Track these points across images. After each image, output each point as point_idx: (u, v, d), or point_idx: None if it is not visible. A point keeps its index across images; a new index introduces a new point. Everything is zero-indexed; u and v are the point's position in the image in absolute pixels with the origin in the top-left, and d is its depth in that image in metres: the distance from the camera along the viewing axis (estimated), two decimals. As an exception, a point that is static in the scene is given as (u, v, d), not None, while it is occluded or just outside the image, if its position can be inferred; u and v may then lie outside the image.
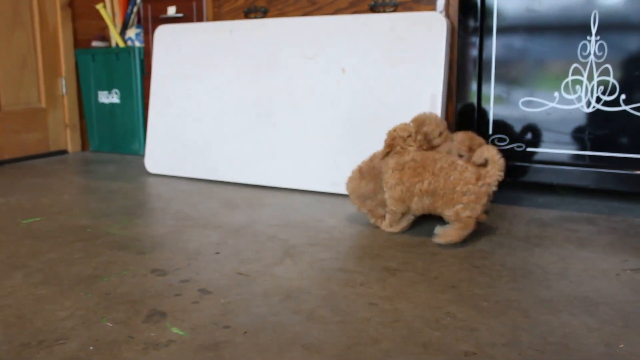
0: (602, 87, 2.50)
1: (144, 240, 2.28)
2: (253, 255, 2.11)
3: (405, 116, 2.81)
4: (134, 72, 4.10)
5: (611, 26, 2.46)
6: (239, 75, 3.28)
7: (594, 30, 2.48)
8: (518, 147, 2.66)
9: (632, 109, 2.46)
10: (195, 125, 3.41)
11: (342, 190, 2.96)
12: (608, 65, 2.48)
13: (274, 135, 3.17)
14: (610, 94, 2.49)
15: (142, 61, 4.09)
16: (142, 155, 4.05)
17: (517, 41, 2.65)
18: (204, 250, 2.17)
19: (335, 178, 3.00)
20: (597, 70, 2.49)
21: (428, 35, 2.82)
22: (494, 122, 2.72)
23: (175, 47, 3.50)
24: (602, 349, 1.44)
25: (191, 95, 3.43)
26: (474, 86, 2.74)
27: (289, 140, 3.13)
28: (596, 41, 2.48)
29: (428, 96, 2.80)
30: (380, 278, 1.89)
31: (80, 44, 4.41)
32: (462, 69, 2.76)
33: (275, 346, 1.46)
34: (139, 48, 4.08)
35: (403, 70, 2.87)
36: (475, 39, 2.70)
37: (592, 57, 2.50)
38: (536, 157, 2.66)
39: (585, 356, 1.41)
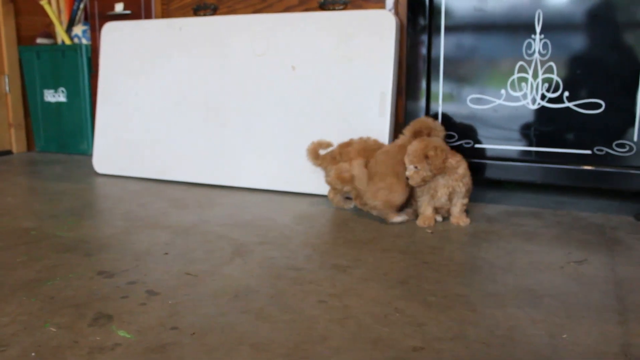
0: (546, 85, 2.54)
1: (91, 242, 2.23)
2: (202, 255, 2.09)
3: (354, 113, 2.83)
4: (81, 70, 4.02)
5: (555, 25, 2.50)
6: (189, 73, 3.24)
7: (538, 29, 2.53)
8: (466, 143, 2.70)
9: (575, 105, 2.51)
10: (143, 124, 3.36)
11: (294, 188, 2.96)
12: (552, 63, 2.52)
13: (224, 133, 3.15)
14: (555, 91, 2.54)
15: (89, 59, 4.01)
16: (90, 155, 3.97)
17: (465, 39, 2.68)
18: (152, 251, 2.13)
19: (287, 176, 3.00)
20: (541, 67, 2.54)
21: (377, 33, 2.84)
22: (443, 119, 2.74)
23: (123, 44, 3.44)
24: (546, 340, 1.47)
25: (139, 94, 3.38)
26: (423, 84, 2.76)
27: (240, 138, 3.11)
28: (540, 39, 2.53)
29: (378, 94, 2.82)
30: (329, 275, 1.89)
31: (23, 41, 4.29)
32: (411, 67, 2.78)
33: (224, 346, 1.45)
34: (86, 45, 4.00)
35: (353, 68, 2.88)
36: (424, 38, 2.72)
37: (536, 55, 2.54)
38: (484, 154, 2.69)
39: (530, 348, 1.43)
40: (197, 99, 3.22)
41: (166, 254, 2.10)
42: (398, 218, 2.46)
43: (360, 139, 2.69)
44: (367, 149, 2.62)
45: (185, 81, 3.25)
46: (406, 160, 2.39)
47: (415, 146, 2.39)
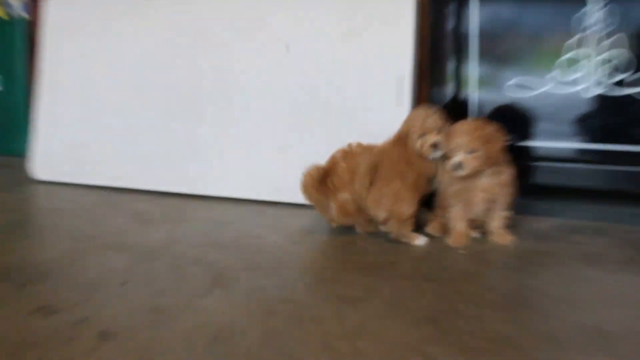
0: (608, 66, 2.53)
1: (28, 269, 2.19)
2: (172, 284, 2.05)
3: (364, 104, 2.82)
4: (17, 50, 4.02)
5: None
6: (155, 55, 3.24)
7: (598, -5, 2.52)
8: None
9: (645, 92, 2.50)
10: (97, 119, 3.36)
11: (288, 198, 2.94)
12: (616, 38, 2.51)
13: (198, 130, 3.14)
14: (619, 74, 2.53)
15: (27, 37, 4.01)
16: (26, 157, 3.94)
17: (504, 10, 2.69)
18: (107, 279, 2.09)
19: (278, 183, 2.97)
20: (602, 44, 2.53)
21: (393, 1, 2.82)
22: (477, 109, 2.73)
23: (72, 19, 3.44)
24: (622, 396, 1.41)
25: (91, 80, 3.38)
26: (451, 66, 2.76)
27: (219, 136, 3.10)
28: (600, 8, 2.51)
29: (393, 79, 2.79)
30: (336, 311, 1.84)
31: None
32: (436, 45, 2.79)
33: (200, 405, 1.39)
34: (24, 20, 3.99)
35: (362, 46, 2.85)
36: (453, 7, 2.73)
37: (596, 27, 2.53)
38: (529, 154, 2.69)
39: (601, 406, 1.38)
40: (164, 87, 3.22)
41: (125, 283, 2.06)
42: (419, 240, 2.40)
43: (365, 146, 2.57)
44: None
45: (149, 65, 3.26)
46: (451, 142, 2.33)
47: (468, 126, 2.33)
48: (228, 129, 3.09)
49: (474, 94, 2.72)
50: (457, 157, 2.32)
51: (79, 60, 3.42)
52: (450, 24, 2.74)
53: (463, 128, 2.33)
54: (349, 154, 2.51)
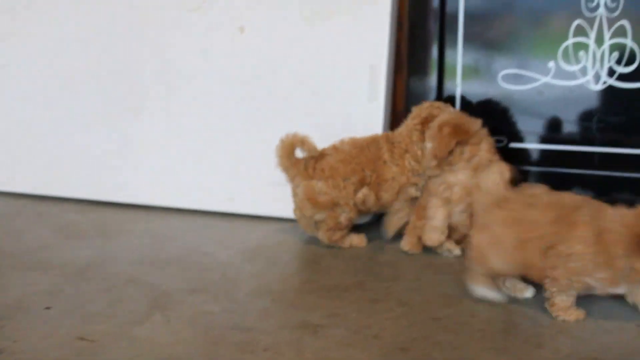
0: (616, 54, 2.57)
1: None
2: (104, 309, 2.08)
3: (331, 97, 2.83)
4: None
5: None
6: (86, 36, 3.22)
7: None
8: (498, 141, 2.71)
9: (657, 85, 2.55)
10: (13, 112, 3.33)
11: (244, 209, 2.96)
12: (625, 22, 2.55)
13: (137, 128, 3.15)
14: (629, 63, 2.57)
15: None
16: None
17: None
18: (27, 303, 2.12)
19: (230, 191, 3.01)
20: (609, 29, 2.57)
21: (366, -23, 2.85)
22: (463, 104, 2.76)
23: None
24: None
25: (8, 65, 3.34)
26: (434, 53, 2.78)
27: (161, 135, 3.12)
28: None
29: (366, 67, 2.84)
30: (294, 339, 1.89)
31: None
32: (416, 28, 2.80)
33: None
34: None
35: (329, 29, 2.89)
36: None
37: (602, 9, 2.57)
38: (524, 156, 2.75)
39: None
40: (97, 75, 3.20)
41: (48, 308, 2.09)
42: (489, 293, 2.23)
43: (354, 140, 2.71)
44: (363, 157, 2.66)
45: (79, 48, 3.23)
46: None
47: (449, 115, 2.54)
48: (171, 126, 3.10)
49: (459, 86, 2.75)
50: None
51: None
52: (433, 3, 2.76)
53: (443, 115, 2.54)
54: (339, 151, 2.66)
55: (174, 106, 3.09)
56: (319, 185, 2.60)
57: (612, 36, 2.58)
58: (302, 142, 2.62)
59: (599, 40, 2.59)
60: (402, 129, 2.64)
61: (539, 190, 2.10)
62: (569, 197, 2.07)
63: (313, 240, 2.70)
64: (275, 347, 1.85)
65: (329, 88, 2.87)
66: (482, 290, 2.13)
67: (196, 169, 3.06)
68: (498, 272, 2.10)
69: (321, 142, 2.67)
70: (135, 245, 2.64)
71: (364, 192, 2.59)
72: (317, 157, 2.64)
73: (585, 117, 2.63)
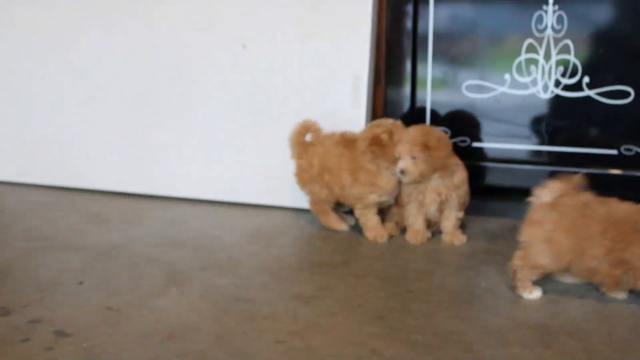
0: (561, 68, 2.57)
1: (-19, 269, 2.21)
2: (127, 284, 2.08)
3: (320, 103, 2.83)
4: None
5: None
6: (111, 53, 3.19)
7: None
8: (462, 142, 2.72)
9: (597, 94, 2.54)
10: (50, 116, 3.30)
11: (246, 198, 2.96)
12: (568, 41, 2.55)
13: (154, 129, 3.13)
14: (572, 76, 2.57)
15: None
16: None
17: (460, 10, 2.72)
18: (62, 279, 2.11)
19: (234, 183, 3.00)
20: (555, 46, 2.57)
21: (350, 3, 2.84)
22: (433, 111, 2.76)
23: (23, 12, 3.38)
24: (559, 388, 1.49)
25: (44, 76, 3.31)
26: (407, 67, 2.78)
27: (175, 135, 3.10)
28: (554, 11, 2.56)
29: (350, 79, 2.84)
30: (290, 308, 1.89)
31: None
32: (393, 46, 2.79)
33: (154, 400, 1.44)
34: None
35: (318, 46, 2.88)
36: (409, 7, 2.74)
37: (549, 30, 2.58)
38: (483, 154, 2.73)
39: (539, 397, 1.46)
40: (120, 85, 3.18)
41: (81, 283, 2.09)
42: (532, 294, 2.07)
43: (343, 134, 2.68)
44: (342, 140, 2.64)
45: (105, 62, 3.20)
46: (401, 149, 2.41)
47: (413, 133, 2.42)
48: (185, 128, 3.09)
49: (429, 95, 2.75)
50: (401, 164, 2.41)
51: (31, 55, 3.35)
52: (407, 24, 2.75)
53: (408, 135, 2.42)
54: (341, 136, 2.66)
55: (186, 111, 3.07)
56: (303, 164, 2.65)
57: (558, 53, 2.58)
58: (308, 127, 2.67)
59: (547, 56, 2.60)
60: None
61: (587, 199, 1.99)
62: (622, 208, 1.96)
63: (306, 225, 2.70)
64: (273, 316, 1.85)
65: (319, 95, 2.87)
66: (531, 294, 2.01)
67: (205, 165, 3.05)
68: (545, 268, 2.00)
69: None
70: (153, 230, 2.64)
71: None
72: (311, 143, 2.68)
73: (536, 121, 2.64)
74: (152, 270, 2.20)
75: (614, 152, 2.55)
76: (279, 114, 2.92)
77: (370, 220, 2.55)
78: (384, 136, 2.46)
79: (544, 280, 2.07)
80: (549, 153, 2.63)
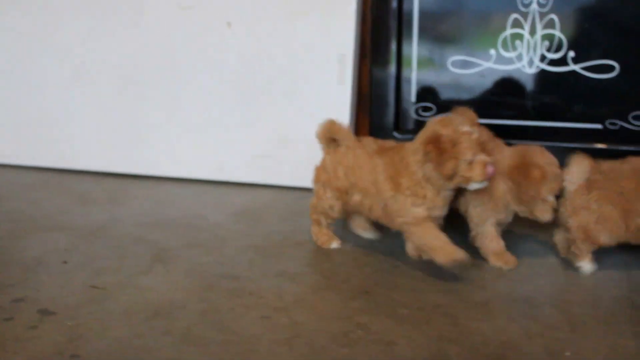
0: (547, 43, 2.57)
1: (-34, 250, 2.20)
2: (113, 263, 2.08)
3: (306, 81, 2.83)
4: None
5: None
6: (95, 32, 3.17)
7: (535, -27, 2.56)
8: (448, 118, 2.72)
9: (582, 68, 2.55)
10: (35, 97, 3.28)
11: (233, 177, 2.95)
12: (554, 16, 2.55)
13: (141, 109, 3.12)
14: (557, 50, 2.57)
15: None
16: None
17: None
18: (47, 259, 2.11)
19: (220, 162, 2.99)
20: (541, 21, 2.57)
21: (335, -21, 2.84)
22: (419, 88, 2.76)
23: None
24: (545, 358, 1.49)
25: (29, 57, 3.30)
26: (393, 44, 2.77)
27: (161, 115, 3.08)
28: (539, -14, 2.56)
29: (335, 57, 2.83)
30: (275, 285, 1.89)
31: None
32: (378, 23, 2.78)
33: (138, 377, 1.44)
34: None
35: (304, 24, 2.87)
36: None
37: (534, 5, 2.57)
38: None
39: (524, 369, 1.46)
40: (105, 65, 3.16)
41: (65, 262, 2.08)
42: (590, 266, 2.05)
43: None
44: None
45: (89, 41, 3.18)
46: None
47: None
48: (171, 107, 3.07)
49: (414, 72, 2.74)
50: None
51: (15, 36, 3.33)
52: (392, 2, 2.75)
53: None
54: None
55: (172, 91, 3.06)
56: (327, 162, 2.27)
57: (543, 28, 2.58)
58: (334, 130, 2.26)
59: (532, 31, 2.59)
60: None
61: (607, 165, 2.04)
62: None
63: (292, 203, 2.70)
64: (259, 292, 1.86)
65: (305, 73, 2.86)
66: (589, 265, 2.00)
67: (191, 144, 3.04)
68: (606, 244, 2.00)
69: (297, 118, 2.73)
70: (139, 210, 2.63)
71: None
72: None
73: (521, 96, 2.64)
74: (137, 249, 2.20)
75: (599, 126, 2.56)
76: (265, 92, 2.91)
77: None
78: (447, 139, 1.97)
79: (530, 255, 2.07)
80: (535, 128, 2.63)
